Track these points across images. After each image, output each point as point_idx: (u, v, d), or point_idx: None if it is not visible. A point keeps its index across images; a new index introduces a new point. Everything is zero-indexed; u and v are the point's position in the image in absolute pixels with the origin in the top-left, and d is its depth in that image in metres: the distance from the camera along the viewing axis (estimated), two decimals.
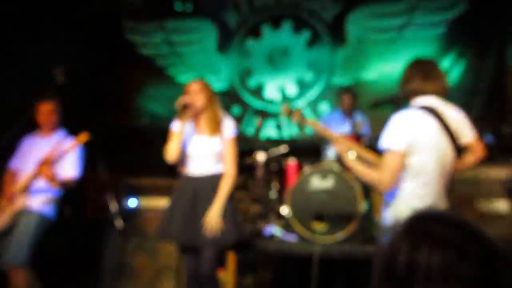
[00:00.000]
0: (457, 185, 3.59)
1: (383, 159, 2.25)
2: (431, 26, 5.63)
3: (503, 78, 5.22)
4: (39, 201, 3.27)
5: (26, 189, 3.24)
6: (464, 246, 0.79)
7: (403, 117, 2.28)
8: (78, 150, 3.39)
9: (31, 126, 3.48)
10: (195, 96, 2.91)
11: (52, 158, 3.21)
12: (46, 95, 3.45)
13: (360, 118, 4.67)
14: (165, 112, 5.78)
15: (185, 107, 2.85)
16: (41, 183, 3.27)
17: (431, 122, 2.27)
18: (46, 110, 3.40)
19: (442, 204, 2.30)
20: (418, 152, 2.24)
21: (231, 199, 2.96)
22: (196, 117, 2.96)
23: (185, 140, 2.93)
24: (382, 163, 2.26)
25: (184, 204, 2.87)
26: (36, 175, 3.20)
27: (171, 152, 2.87)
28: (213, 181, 2.91)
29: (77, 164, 3.37)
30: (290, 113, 2.95)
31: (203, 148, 2.92)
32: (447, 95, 2.37)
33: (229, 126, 2.97)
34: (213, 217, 2.80)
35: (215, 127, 2.92)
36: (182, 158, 2.95)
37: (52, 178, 3.21)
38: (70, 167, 3.32)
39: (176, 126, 2.89)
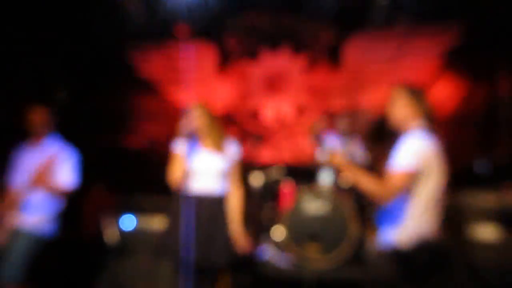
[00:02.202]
0: (446, 211, 3.65)
1: (391, 176, 2.29)
2: (426, 54, 5.76)
3: (495, 106, 5.33)
4: (33, 219, 3.21)
5: (20, 205, 3.19)
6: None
7: (415, 140, 2.33)
8: (73, 158, 3.33)
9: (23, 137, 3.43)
10: (197, 120, 3.03)
11: (45, 168, 3.16)
12: (36, 104, 3.39)
13: (355, 143, 4.76)
14: (163, 133, 5.84)
15: (189, 131, 2.97)
16: (36, 199, 3.22)
17: (432, 146, 2.34)
18: (35, 116, 3.35)
19: (437, 228, 2.35)
20: (423, 176, 2.31)
21: (227, 221, 3.02)
22: (198, 138, 3.06)
23: (187, 158, 3.00)
24: (388, 179, 2.29)
25: (184, 223, 2.89)
26: (30, 188, 3.14)
27: (176, 175, 2.96)
28: (215, 202, 3.00)
29: (73, 172, 3.31)
30: (332, 161, 2.56)
31: (206, 165, 3.01)
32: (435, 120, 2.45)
33: (234, 148, 3.13)
34: (240, 236, 3.01)
35: (219, 146, 3.05)
36: (184, 175, 3.01)
37: (49, 186, 3.15)
38: (66, 175, 3.25)
39: (179, 149, 3.00)
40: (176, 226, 2.92)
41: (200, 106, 3.11)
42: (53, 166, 3.18)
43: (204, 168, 3.01)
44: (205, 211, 2.94)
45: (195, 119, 3.04)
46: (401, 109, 2.45)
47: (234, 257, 2.98)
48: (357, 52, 5.97)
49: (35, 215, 3.22)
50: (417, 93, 2.46)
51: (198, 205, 2.94)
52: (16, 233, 3.18)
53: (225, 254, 2.92)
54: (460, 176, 4.79)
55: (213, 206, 2.98)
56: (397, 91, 2.49)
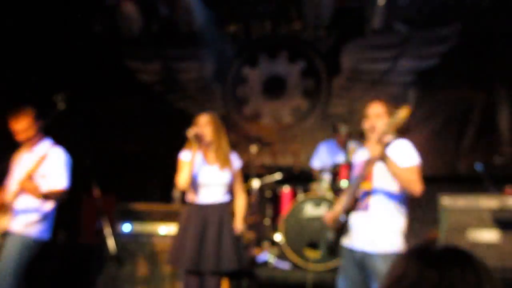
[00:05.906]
0: (448, 214, 3.63)
1: (415, 171, 2.44)
2: (424, 58, 5.76)
3: (494, 109, 5.33)
4: (23, 222, 3.08)
5: (10, 209, 3.06)
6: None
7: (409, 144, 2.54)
8: (64, 160, 3.21)
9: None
10: (204, 128, 3.07)
11: (33, 172, 3.02)
12: (17, 111, 3.15)
13: (353, 146, 4.73)
14: (162, 138, 5.82)
15: (196, 137, 3.01)
16: (25, 202, 3.10)
17: None
18: (19, 127, 3.14)
19: None
20: None
21: (233, 225, 3.11)
22: (204, 148, 3.12)
23: (195, 169, 3.06)
24: (415, 174, 2.42)
25: (193, 231, 2.99)
26: (18, 193, 3.03)
27: (183, 181, 3.01)
28: (220, 210, 3.07)
29: (65, 174, 3.18)
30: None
31: (214, 179, 3.08)
32: None
33: (236, 159, 3.19)
34: (240, 229, 3.11)
35: (225, 160, 3.10)
36: (192, 187, 3.09)
37: (35, 192, 3.03)
38: (57, 178, 3.14)
39: (186, 156, 3.04)
40: (187, 235, 2.99)
41: (208, 115, 3.15)
42: (42, 169, 3.06)
43: (210, 182, 3.08)
44: (213, 218, 3.02)
45: (203, 126, 3.08)
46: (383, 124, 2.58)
47: (243, 260, 3.04)
48: (354, 56, 5.96)
49: (25, 218, 3.09)
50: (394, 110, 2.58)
51: (206, 213, 3.03)
52: (5, 237, 3.08)
53: (233, 257, 2.95)
54: (463, 180, 4.80)
55: (220, 213, 3.05)
56: (379, 106, 2.62)
